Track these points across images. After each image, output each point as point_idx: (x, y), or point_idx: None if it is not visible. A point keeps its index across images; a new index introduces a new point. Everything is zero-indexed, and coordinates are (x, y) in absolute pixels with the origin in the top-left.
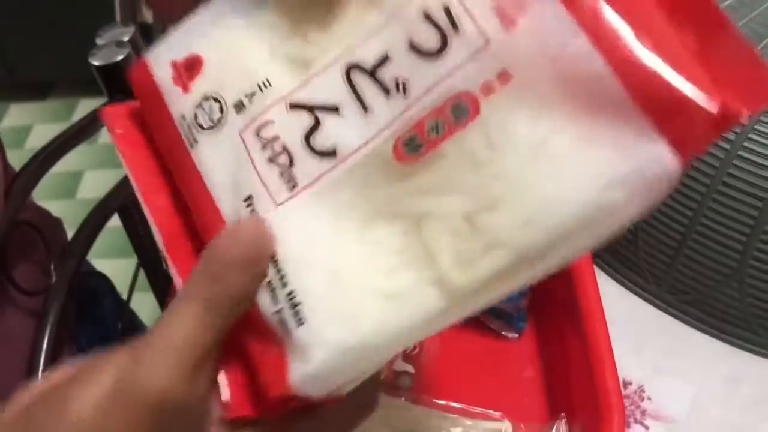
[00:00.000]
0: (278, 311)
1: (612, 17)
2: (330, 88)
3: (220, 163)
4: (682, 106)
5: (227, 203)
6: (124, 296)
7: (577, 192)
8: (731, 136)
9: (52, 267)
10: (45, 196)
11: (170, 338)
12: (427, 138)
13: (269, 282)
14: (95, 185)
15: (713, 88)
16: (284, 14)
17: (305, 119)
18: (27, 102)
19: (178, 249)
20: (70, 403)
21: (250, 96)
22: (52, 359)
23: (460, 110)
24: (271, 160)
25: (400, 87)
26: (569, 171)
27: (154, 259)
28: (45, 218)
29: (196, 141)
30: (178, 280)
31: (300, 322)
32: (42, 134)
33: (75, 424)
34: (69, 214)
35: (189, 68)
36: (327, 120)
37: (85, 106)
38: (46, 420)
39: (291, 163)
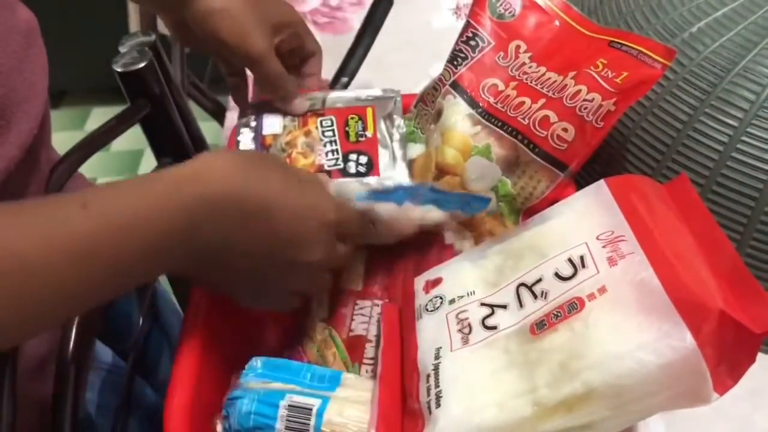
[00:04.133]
0: (428, 400)
1: (670, 261)
2: (505, 296)
3: (430, 327)
4: (700, 307)
5: (426, 346)
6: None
7: (626, 350)
8: (725, 138)
9: None
10: None
11: None
12: (550, 321)
13: (428, 386)
14: None
15: (731, 307)
16: (493, 269)
17: (486, 311)
18: None
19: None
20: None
21: (461, 297)
22: (81, 342)
23: (573, 307)
24: (459, 330)
25: (544, 295)
26: (626, 341)
27: None
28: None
29: (421, 316)
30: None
31: (438, 405)
32: (55, 142)
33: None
34: None
35: (434, 283)
36: (498, 311)
37: (97, 115)
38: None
39: (470, 331)
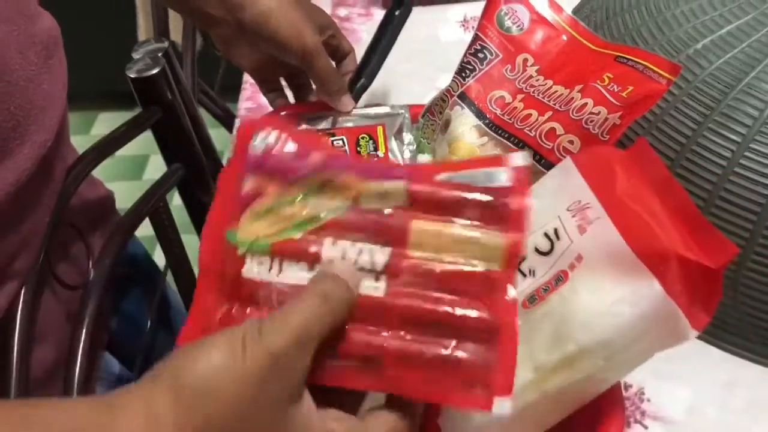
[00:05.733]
0: None
1: (631, 219)
2: None
3: None
4: (661, 255)
5: None
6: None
7: (606, 308)
8: (728, 153)
9: (90, 265)
10: None
11: (290, 318)
12: (540, 295)
13: None
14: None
15: (689, 249)
16: None
17: None
18: None
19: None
20: (201, 349)
21: None
22: (89, 355)
23: (559, 279)
24: None
25: (532, 272)
26: (604, 299)
27: (183, 263)
28: (91, 205)
29: None
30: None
31: None
32: None
33: (205, 365)
34: None
35: None
36: None
37: (103, 120)
38: (183, 364)
39: None
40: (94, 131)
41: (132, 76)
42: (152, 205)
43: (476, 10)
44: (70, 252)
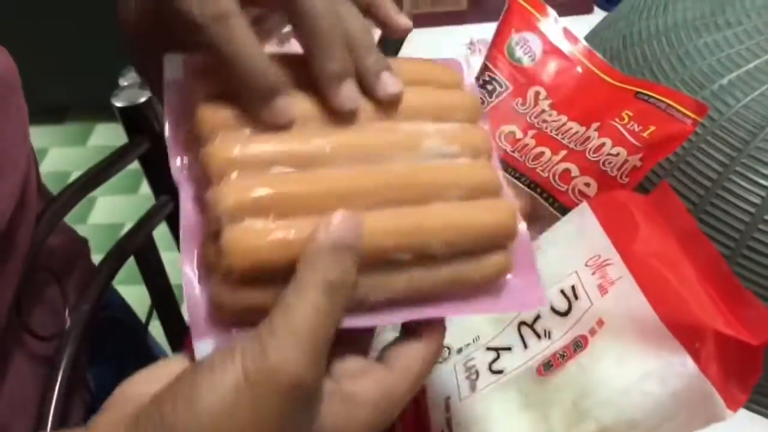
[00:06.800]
0: None
1: (659, 282)
2: (509, 337)
3: (439, 378)
4: (695, 329)
5: (435, 399)
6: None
7: (631, 384)
8: (756, 200)
9: (66, 312)
10: None
11: (296, 326)
12: (557, 362)
13: None
14: (107, 212)
15: (728, 323)
16: None
17: (492, 355)
18: (44, 125)
19: None
20: (198, 390)
21: (467, 345)
22: (63, 406)
23: (578, 345)
24: (467, 377)
25: (547, 334)
26: (630, 373)
27: (169, 301)
28: (63, 252)
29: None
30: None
31: None
32: (58, 157)
33: (204, 411)
34: None
35: None
36: (504, 354)
37: (101, 131)
38: (174, 411)
39: (477, 377)
40: (91, 142)
41: (118, 105)
42: (137, 243)
43: (481, 32)
44: (45, 299)
